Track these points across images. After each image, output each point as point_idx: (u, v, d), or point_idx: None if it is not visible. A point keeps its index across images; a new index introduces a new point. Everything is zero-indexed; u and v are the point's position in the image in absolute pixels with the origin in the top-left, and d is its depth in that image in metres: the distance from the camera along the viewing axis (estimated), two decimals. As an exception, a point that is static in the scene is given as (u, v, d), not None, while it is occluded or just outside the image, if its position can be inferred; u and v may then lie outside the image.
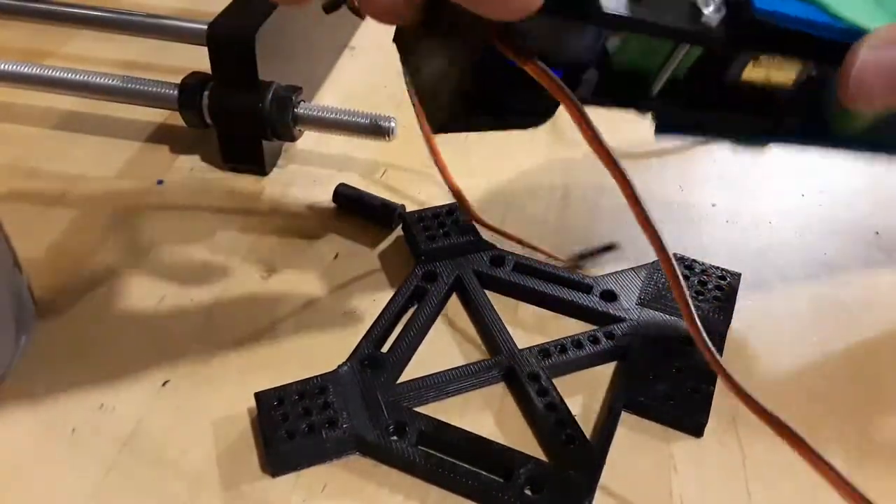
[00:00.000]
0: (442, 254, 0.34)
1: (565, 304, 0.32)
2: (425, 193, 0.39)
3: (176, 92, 0.39)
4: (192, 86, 0.38)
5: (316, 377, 0.28)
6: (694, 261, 0.34)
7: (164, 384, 0.29)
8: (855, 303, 0.34)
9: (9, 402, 0.28)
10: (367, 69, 0.49)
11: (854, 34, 0.21)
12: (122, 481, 0.26)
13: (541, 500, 0.25)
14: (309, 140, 0.42)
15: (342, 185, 0.38)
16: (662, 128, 0.25)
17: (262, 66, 0.37)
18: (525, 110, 0.24)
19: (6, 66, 0.40)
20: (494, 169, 0.40)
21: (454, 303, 0.33)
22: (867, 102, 0.21)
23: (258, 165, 0.39)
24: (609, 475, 0.26)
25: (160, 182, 0.39)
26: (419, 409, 0.28)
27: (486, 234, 0.34)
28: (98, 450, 0.27)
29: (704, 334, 0.23)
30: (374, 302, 0.33)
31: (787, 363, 0.31)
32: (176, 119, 0.40)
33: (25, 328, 0.30)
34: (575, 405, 0.28)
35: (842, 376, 0.31)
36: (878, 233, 0.38)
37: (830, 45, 0.22)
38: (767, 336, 0.32)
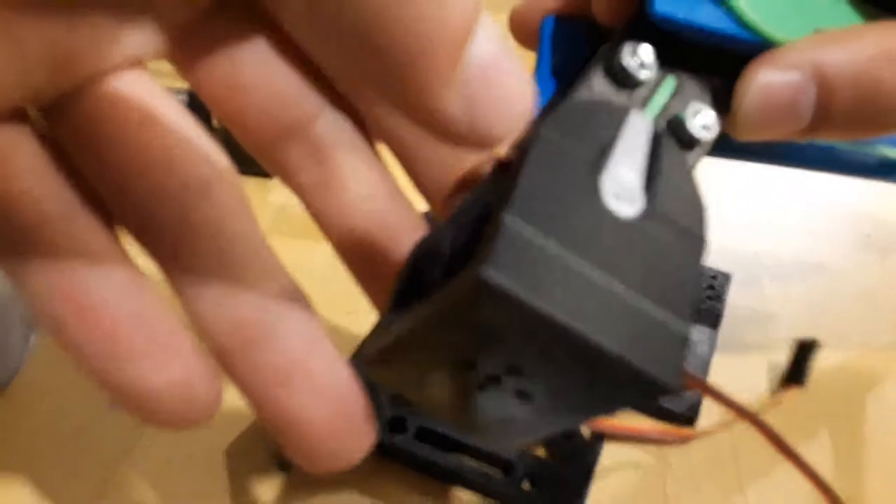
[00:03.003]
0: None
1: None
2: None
3: (185, 97, 0.39)
4: (198, 91, 0.39)
5: (319, 375, 0.28)
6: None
7: (171, 382, 0.30)
8: (848, 303, 0.34)
9: (18, 401, 0.29)
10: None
11: (765, 48, 0.18)
12: (128, 479, 0.26)
13: (539, 495, 0.25)
14: (312, 144, 0.42)
15: (345, 188, 0.38)
16: None
17: (266, 71, 0.37)
18: None
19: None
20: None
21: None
22: (752, 133, 0.18)
23: (264, 169, 0.40)
24: (605, 472, 0.27)
25: (167, 185, 0.39)
26: (420, 406, 0.28)
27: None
28: (105, 448, 0.27)
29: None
30: (375, 302, 0.33)
31: (780, 364, 0.32)
32: (182, 123, 0.41)
33: (34, 328, 0.31)
34: (572, 402, 0.29)
35: (835, 376, 0.31)
36: (869, 234, 0.38)
37: (735, 59, 0.18)
38: (760, 336, 0.33)
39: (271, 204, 0.39)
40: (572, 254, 0.13)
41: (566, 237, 0.13)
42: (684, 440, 0.28)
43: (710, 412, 0.29)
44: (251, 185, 0.42)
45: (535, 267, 0.13)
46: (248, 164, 0.43)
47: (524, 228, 0.13)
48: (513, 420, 0.16)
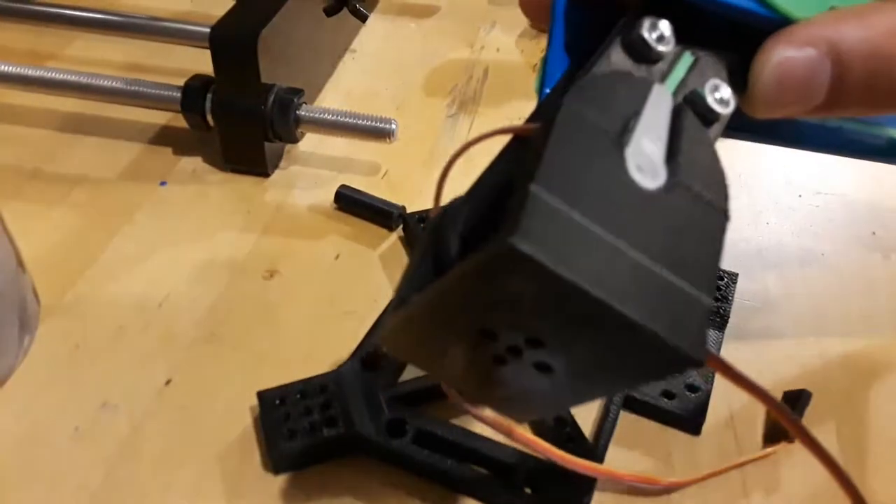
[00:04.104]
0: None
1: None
2: (426, 194, 0.39)
3: (179, 94, 0.39)
4: (194, 88, 0.38)
5: (317, 377, 0.28)
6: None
7: (166, 383, 0.29)
8: (853, 303, 0.34)
9: (12, 401, 0.29)
10: (368, 72, 0.49)
11: (781, 24, 0.18)
12: (124, 480, 0.26)
13: (540, 499, 0.25)
14: (310, 142, 0.42)
15: (343, 186, 0.38)
16: None
17: (264, 68, 0.37)
18: None
19: (9, 68, 0.40)
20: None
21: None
22: (769, 110, 0.19)
23: (260, 167, 0.39)
24: (607, 473, 0.27)
25: (163, 183, 0.39)
26: (419, 408, 0.28)
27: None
28: (100, 448, 0.27)
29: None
30: (374, 302, 0.33)
31: (785, 363, 0.31)
32: (179, 121, 0.41)
33: (29, 328, 0.31)
34: (574, 404, 0.29)
35: (840, 376, 0.31)
36: (874, 233, 0.38)
37: (752, 36, 0.18)
38: (765, 336, 0.32)
39: (268, 203, 0.38)
40: (597, 224, 0.13)
41: (591, 207, 0.13)
42: (668, 490, 0.26)
43: (715, 414, 0.28)
44: (248, 183, 0.42)
45: (561, 236, 0.13)
46: (246, 163, 0.43)
47: (550, 198, 0.13)
48: (532, 393, 0.16)
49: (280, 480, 0.26)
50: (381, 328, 0.16)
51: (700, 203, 0.15)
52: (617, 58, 0.18)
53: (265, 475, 0.26)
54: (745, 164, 0.42)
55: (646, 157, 0.15)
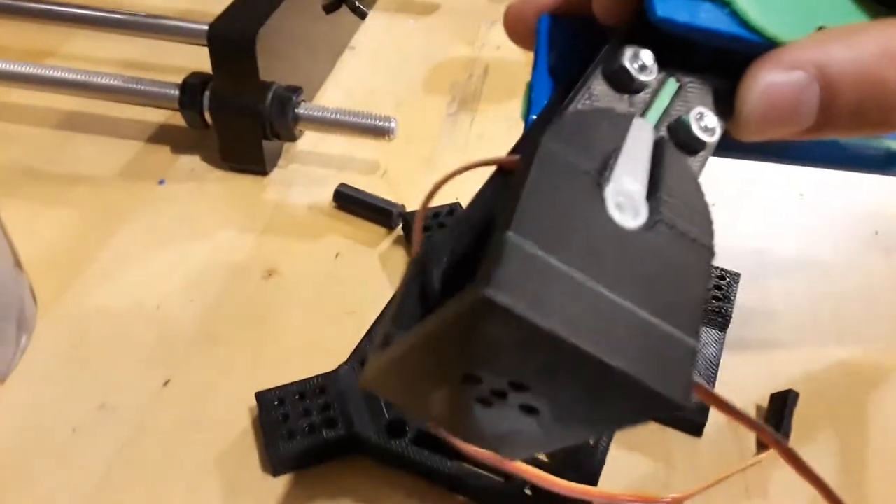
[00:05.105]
0: (442, 254, 0.34)
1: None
2: (425, 193, 0.39)
3: (177, 92, 0.39)
4: (193, 86, 0.38)
5: (316, 377, 0.28)
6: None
7: (165, 384, 0.29)
8: (854, 303, 0.34)
9: (10, 402, 0.28)
10: (367, 69, 0.49)
11: (767, 48, 0.18)
12: (122, 481, 0.26)
13: (540, 500, 0.25)
14: (309, 140, 0.42)
15: (343, 184, 0.38)
16: None
17: (262, 66, 0.37)
18: None
19: (7, 66, 0.40)
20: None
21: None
22: (757, 134, 0.18)
23: (259, 165, 0.39)
24: (608, 475, 0.26)
25: (161, 182, 0.39)
26: (419, 409, 0.28)
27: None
28: (99, 450, 0.27)
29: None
30: (374, 302, 0.33)
31: (786, 363, 0.31)
32: (177, 119, 0.40)
33: (27, 328, 0.30)
34: (574, 405, 0.28)
35: (840, 377, 0.31)
36: (877, 233, 0.38)
37: (738, 60, 0.18)
38: (766, 336, 0.32)
39: (267, 201, 0.38)
40: (576, 269, 0.13)
41: (570, 252, 0.13)
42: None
43: (716, 415, 0.28)
44: (247, 182, 0.42)
45: (538, 283, 0.12)
46: (244, 161, 0.43)
47: (527, 245, 0.13)
48: (519, 434, 0.16)
49: (279, 482, 0.26)
50: (365, 366, 0.16)
51: (683, 240, 0.15)
52: (599, 89, 0.18)
53: (264, 476, 0.26)
54: (745, 163, 0.42)
55: (626, 194, 0.14)
